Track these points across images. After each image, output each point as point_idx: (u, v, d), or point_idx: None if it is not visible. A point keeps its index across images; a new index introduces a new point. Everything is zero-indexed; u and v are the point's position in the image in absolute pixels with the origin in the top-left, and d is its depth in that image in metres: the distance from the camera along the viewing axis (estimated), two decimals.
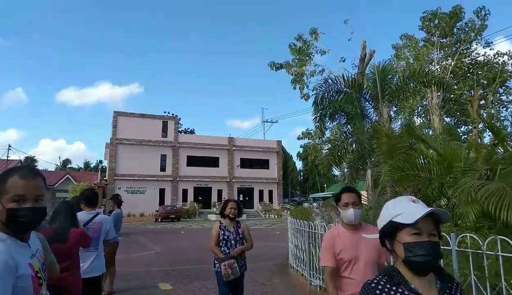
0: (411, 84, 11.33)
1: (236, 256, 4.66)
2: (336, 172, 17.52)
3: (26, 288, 1.56)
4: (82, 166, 75.51)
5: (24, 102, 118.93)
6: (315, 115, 13.54)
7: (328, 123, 13.30)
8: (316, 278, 6.28)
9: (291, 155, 65.05)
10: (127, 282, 8.03)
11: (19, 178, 1.66)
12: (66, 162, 74.10)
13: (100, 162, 63.25)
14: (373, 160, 11.20)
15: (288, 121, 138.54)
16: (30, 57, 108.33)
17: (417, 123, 23.01)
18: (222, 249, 4.71)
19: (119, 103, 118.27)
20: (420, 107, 25.42)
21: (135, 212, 36.71)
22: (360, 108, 11.35)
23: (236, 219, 4.92)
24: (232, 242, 4.70)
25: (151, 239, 18.43)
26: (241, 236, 4.79)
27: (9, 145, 35.61)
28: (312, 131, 28.87)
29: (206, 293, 7.11)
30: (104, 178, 40.54)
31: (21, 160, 27.58)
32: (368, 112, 11.59)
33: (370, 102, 11.67)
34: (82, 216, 4.60)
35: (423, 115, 26.24)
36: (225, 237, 4.72)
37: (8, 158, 32.41)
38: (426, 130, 17.58)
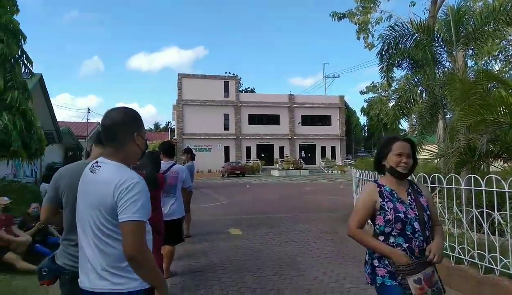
0: (491, 24, 10.22)
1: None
2: (403, 125, 16.75)
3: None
4: (152, 127, 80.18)
5: (100, 70, 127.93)
6: (380, 65, 12.88)
7: (395, 73, 12.62)
8: None
9: (355, 110, 62.93)
10: (200, 228, 8.72)
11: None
12: None
13: (169, 123, 66.70)
14: (445, 110, 10.52)
15: (351, 76, 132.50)
16: (104, 27, 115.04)
17: (496, 68, 20.82)
18: (393, 241, 2.27)
19: (186, 67, 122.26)
20: (500, 53, 22.89)
21: (203, 169, 38.69)
22: (432, 54, 10.55)
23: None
24: (415, 225, 2.25)
25: (219, 192, 19.48)
26: (427, 212, 2.31)
27: (88, 109, 38.76)
28: (377, 84, 27.51)
29: (273, 238, 7.49)
30: (174, 138, 42.87)
31: (99, 122, 30.25)
32: (440, 57, 10.76)
33: (443, 47, 10.77)
34: (162, 165, 5.06)
35: (504, 60, 23.64)
36: (398, 214, 2.27)
37: (88, 121, 35.55)
38: (506, 75, 15.93)
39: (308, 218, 9.99)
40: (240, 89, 50.83)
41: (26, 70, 7.21)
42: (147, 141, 1.96)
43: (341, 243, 6.98)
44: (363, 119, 64.95)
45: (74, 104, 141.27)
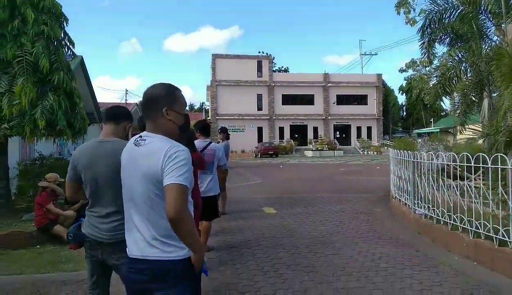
0: None
1: None
2: (445, 104, 16.02)
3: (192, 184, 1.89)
4: (187, 108, 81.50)
5: (138, 51, 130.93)
6: (422, 41, 12.30)
7: (437, 49, 12.02)
8: (421, 207, 6.15)
9: (392, 89, 60.75)
10: (235, 206, 8.88)
11: (180, 92, 1.99)
12: None
13: (203, 104, 67.50)
14: (491, 87, 9.95)
15: (389, 54, 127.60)
16: (141, 9, 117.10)
17: None
18: None
19: (221, 47, 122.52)
20: None
21: (236, 149, 39.05)
22: (478, 28, 9.94)
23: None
24: None
25: (253, 172, 19.66)
26: None
27: (126, 90, 39.97)
28: (417, 61, 26.31)
29: (307, 217, 7.51)
30: (208, 118, 43.46)
31: (136, 103, 31.14)
32: (488, 31, 10.11)
33: (491, 19, 10.12)
34: (198, 143, 5.15)
35: None
36: None
37: (126, 102, 36.67)
38: None
39: (343, 198, 9.90)
40: (274, 69, 50.36)
41: (69, 52, 7.49)
42: (186, 116, 1.98)
43: (377, 224, 6.89)
44: (401, 99, 62.73)
45: (113, 86, 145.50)
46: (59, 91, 6.63)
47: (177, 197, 1.68)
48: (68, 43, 7.40)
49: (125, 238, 2.34)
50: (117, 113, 2.67)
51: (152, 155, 1.79)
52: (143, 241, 1.83)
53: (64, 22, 7.22)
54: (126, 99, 38.47)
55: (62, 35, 7.16)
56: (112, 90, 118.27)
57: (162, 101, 1.89)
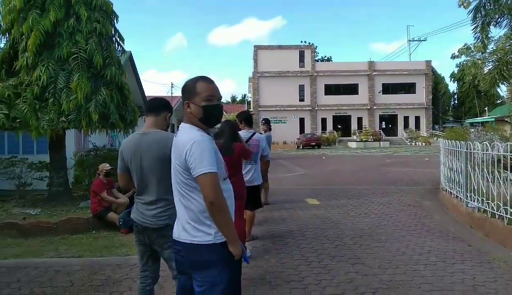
0: None
1: None
2: (502, 90, 15.00)
3: (221, 168, 2.00)
4: (229, 100, 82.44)
5: (183, 45, 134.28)
6: (474, 25, 11.55)
7: (492, 33, 11.22)
8: (474, 200, 5.85)
9: (443, 77, 57.56)
10: (277, 197, 8.93)
11: (205, 82, 2.05)
12: None
13: (245, 95, 67.93)
14: None
15: (440, 39, 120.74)
16: (187, 1, 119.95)
17: None
18: None
19: (264, 39, 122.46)
20: None
21: (278, 140, 38.98)
22: None
23: None
24: None
25: (295, 163, 19.59)
26: None
27: (172, 84, 41.16)
28: (471, 46, 24.70)
29: (351, 209, 7.39)
30: (249, 110, 43.74)
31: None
32: None
33: None
34: (243, 134, 5.22)
35: None
36: None
37: (172, 95, 37.80)
38: None
39: (389, 190, 9.63)
40: (316, 58, 49.53)
41: (119, 48, 7.85)
42: (214, 110, 2.03)
43: (426, 217, 6.65)
44: (452, 86, 59.32)
45: (159, 80, 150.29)
46: (111, 85, 6.98)
47: (208, 184, 1.82)
48: (118, 39, 7.74)
49: (167, 224, 2.49)
50: (157, 105, 2.80)
51: (181, 146, 1.94)
52: (179, 224, 2.01)
53: (115, 19, 7.56)
54: (172, 93, 39.64)
55: (113, 31, 7.50)
56: (158, 84, 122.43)
57: (185, 96, 2.07)
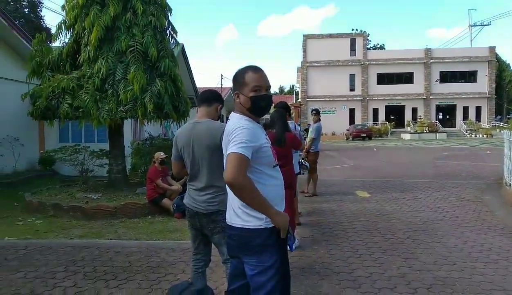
0: None
1: None
2: None
3: (269, 156, 2.01)
4: (277, 91, 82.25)
5: (234, 37, 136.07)
6: None
7: None
8: None
9: (508, 64, 53.28)
10: (326, 188, 8.82)
11: (253, 72, 2.05)
12: None
13: (293, 86, 67.37)
14: None
15: (505, 23, 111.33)
16: None
17: None
18: None
19: (315, 28, 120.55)
20: None
21: (327, 131, 38.30)
22: None
23: None
24: None
25: (344, 155, 19.19)
26: None
27: (221, 75, 41.78)
28: None
29: (404, 203, 7.12)
30: (298, 100, 43.33)
31: (231, 88, 32.62)
32: None
33: None
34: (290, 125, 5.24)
35: None
36: None
37: (222, 86, 38.42)
38: None
39: (446, 184, 9.14)
40: (368, 46, 47.80)
41: (172, 40, 8.10)
42: (262, 100, 2.03)
43: (487, 213, 6.25)
44: None
45: (210, 71, 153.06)
46: (165, 77, 7.23)
47: (231, 164, 1.82)
48: (172, 32, 7.98)
49: (218, 210, 2.57)
50: (209, 97, 2.91)
51: (227, 133, 2.01)
52: (231, 209, 2.04)
53: (169, 12, 7.80)
54: (221, 84, 40.33)
55: (167, 24, 7.74)
56: (209, 75, 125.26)
57: (234, 86, 2.09)
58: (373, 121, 41.55)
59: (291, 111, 10.56)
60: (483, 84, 40.77)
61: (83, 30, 7.13)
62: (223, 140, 2.08)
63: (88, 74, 6.98)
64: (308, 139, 7.86)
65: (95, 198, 7.16)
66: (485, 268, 3.86)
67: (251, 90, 2.01)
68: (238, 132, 1.90)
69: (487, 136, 33.37)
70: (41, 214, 6.54)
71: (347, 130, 37.64)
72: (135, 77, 6.68)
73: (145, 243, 4.97)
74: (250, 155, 1.87)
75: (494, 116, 41.60)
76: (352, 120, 41.50)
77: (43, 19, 17.83)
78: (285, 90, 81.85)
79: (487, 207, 6.66)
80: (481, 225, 5.53)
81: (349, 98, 42.10)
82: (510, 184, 7.03)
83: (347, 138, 36.42)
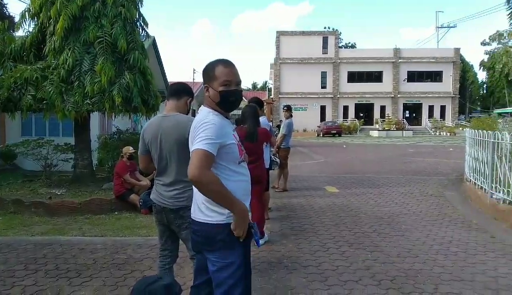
0: None
1: None
2: None
3: (234, 152, 1.99)
4: (250, 87, 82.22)
5: (209, 32, 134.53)
6: (510, 9, 11.04)
7: None
8: (499, 191, 5.68)
9: (472, 65, 55.62)
10: (297, 184, 8.93)
11: (223, 67, 2.01)
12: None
13: (265, 82, 67.57)
14: None
15: (470, 26, 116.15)
16: None
17: None
18: None
19: (289, 25, 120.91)
20: None
21: (298, 128, 38.80)
22: None
23: None
24: None
25: (315, 151, 19.47)
26: None
27: (194, 69, 41.29)
28: (504, 33, 23.68)
29: (371, 198, 7.31)
30: (271, 97, 43.52)
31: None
32: None
33: None
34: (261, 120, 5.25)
35: None
36: None
37: (194, 81, 38.01)
38: None
39: (410, 180, 9.46)
40: (340, 45, 48.56)
41: (143, 33, 7.91)
42: (231, 95, 2.00)
43: (448, 207, 6.51)
44: (482, 75, 57.22)
45: (182, 66, 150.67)
46: (135, 70, 7.06)
47: (192, 160, 1.81)
48: (143, 24, 7.79)
49: (185, 205, 2.54)
50: (178, 90, 2.84)
51: (193, 127, 1.99)
52: (195, 204, 2.03)
53: (139, 3, 7.60)
54: (193, 78, 39.87)
55: (137, 16, 7.55)
56: (181, 70, 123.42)
57: (204, 79, 2.06)
58: (343, 118, 42.33)
59: (264, 107, 10.62)
60: (448, 84, 42.40)
61: (48, 20, 6.85)
62: (190, 134, 2.04)
63: (53, 65, 6.71)
64: (279, 136, 7.90)
65: (59, 193, 6.92)
66: (445, 260, 4.03)
67: (221, 85, 1.98)
68: (204, 127, 1.88)
69: (450, 135, 34.77)
70: (0, 210, 6.25)
71: (318, 127, 38.18)
72: (103, 69, 6.49)
73: (111, 239, 4.85)
74: (215, 151, 1.85)
75: (457, 115, 43.36)
76: (323, 117, 42.14)
77: (5, 6, 16.91)
78: (258, 86, 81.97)
79: (449, 202, 6.95)
80: (443, 219, 5.76)
81: (321, 96, 42.68)
82: (470, 179, 7.36)
83: (318, 135, 36.95)
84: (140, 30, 7.79)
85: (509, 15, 11.10)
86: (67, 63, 6.53)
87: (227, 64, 2.03)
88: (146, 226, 5.41)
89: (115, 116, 7.68)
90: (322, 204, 6.78)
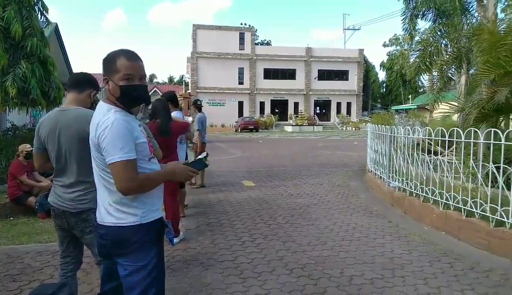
0: None
1: None
2: (424, 80, 16.25)
3: (144, 150, 1.87)
4: (166, 80, 79.82)
5: (122, 22, 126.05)
6: (404, 16, 12.33)
7: (419, 26, 12.14)
8: (395, 180, 6.34)
9: (374, 65, 61.04)
10: (214, 179, 8.92)
11: (126, 59, 1.84)
12: (152, 76, 78.77)
13: (182, 76, 66.15)
14: (469, 64, 10.12)
15: (372, 29, 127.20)
16: None
17: None
18: None
19: (207, 20, 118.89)
20: None
21: (216, 123, 38.88)
22: (460, 2, 10.01)
23: None
24: None
25: (232, 146, 19.66)
26: None
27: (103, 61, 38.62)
28: (400, 37, 26.40)
29: (285, 190, 7.62)
30: (188, 91, 42.72)
31: None
32: (470, 7, 10.21)
33: None
34: (177, 114, 5.12)
35: None
36: None
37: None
38: None
39: (320, 172, 10.07)
40: (256, 42, 49.55)
41: (42, 18, 7.15)
42: (134, 91, 1.85)
43: (352, 196, 7.07)
44: (382, 75, 63.20)
45: (96, 57, 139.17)
46: (33, 58, 6.38)
47: (118, 173, 1.73)
48: (42, 9, 7.05)
49: (89, 208, 2.35)
50: (80, 80, 2.58)
51: (93, 128, 1.82)
52: (102, 207, 1.88)
53: None
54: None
55: (35, 0, 6.80)
56: (93, 61, 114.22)
57: (104, 70, 1.87)
58: (260, 114, 43.40)
59: (180, 102, 10.33)
60: (353, 82, 45.99)
61: None
62: (90, 132, 1.84)
63: None
64: (196, 133, 7.75)
65: None
66: (349, 245, 4.37)
67: (122, 79, 1.81)
68: (110, 137, 1.72)
69: (355, 129, 37.83)
70: None
71: (236, 122, 38.61)
72: None
73: (5, 248, 4.33)
74: (133, 152, 1.76)
75: (361, 112, 47.28)
76: (240, 112, 42.71)
77: None
78: (175, 80, 79.92)
79: (353, 191, 7.55)
80: (348, 207, 6.24)
81: (238, 91, 43.17)
82: (371, 170, 8.08)
83: (235, 130, 37.36)
84: (40, 15, 7.05)
85: (403, 21, 12.43)
86: None
87: (130, 56, 1.86)
88: (48, 231, 4.93)
89: (9, 110, 6.84)
90: (239, 198, 6.88)
